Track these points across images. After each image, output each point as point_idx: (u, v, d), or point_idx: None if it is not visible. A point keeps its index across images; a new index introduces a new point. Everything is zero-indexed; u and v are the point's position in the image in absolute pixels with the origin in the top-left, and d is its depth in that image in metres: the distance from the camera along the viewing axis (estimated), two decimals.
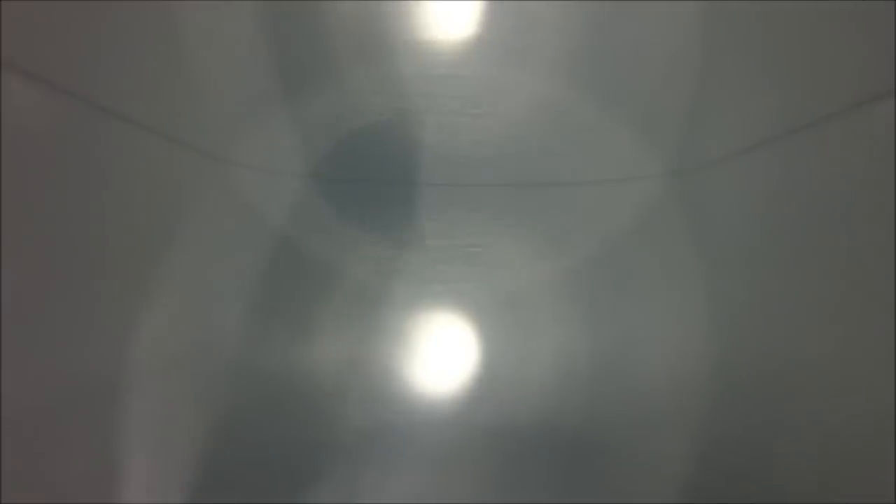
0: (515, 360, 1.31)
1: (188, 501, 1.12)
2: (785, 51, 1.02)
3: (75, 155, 0.98)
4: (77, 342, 1.01)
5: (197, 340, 1.23)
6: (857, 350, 0.93)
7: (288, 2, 1.10)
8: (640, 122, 1.27)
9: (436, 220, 1.36)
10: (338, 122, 1.28)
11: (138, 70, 1.06)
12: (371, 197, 1.36)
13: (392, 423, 1.21)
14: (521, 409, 1.27)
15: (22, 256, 0.90)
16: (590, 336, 1.31)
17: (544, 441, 1.24)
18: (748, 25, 1.05)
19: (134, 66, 1.05)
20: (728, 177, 1.19)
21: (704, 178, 1.25)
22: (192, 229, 1.21)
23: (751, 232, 1.16)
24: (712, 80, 1.16)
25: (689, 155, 1.28)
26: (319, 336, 1.31)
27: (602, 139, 1.29)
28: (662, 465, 1.19)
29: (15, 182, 0.87)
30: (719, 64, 1.13)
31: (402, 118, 1.27)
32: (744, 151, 1.15)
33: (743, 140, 1.15)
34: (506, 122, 1.28)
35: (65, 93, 0.95)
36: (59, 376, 0.97)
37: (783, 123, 1.05)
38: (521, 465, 1.23)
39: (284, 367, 1.28)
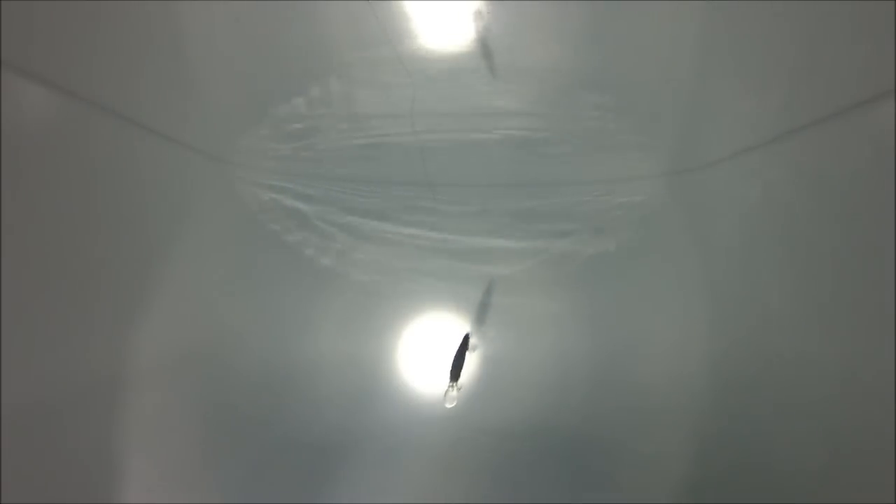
0: (515, 360, 1.31)
1: (188, 501, 1.12)
2: (785, 51, 1.02)
3: (75, 155, 0.98)
4: (77, 342, 1.01)
5: (197, 340, 1.23)
6: (857, 350, 0.93)
7: (288, 3, 1.10)
8: (640, 122, 1.27)
9: (436, 220, 1.36)
10: (337, 122, 1.28)
11: (139, 70, 1.06)
12: (370, 197, 1.36)
13: (392, 423, 1.21)
14: (520, 409, 1.27)
15: (22, 256, 0.90)
16: (589, 335, 1.31)
17: (544, 440, 1.24)
18: (748, 25, 1.05)
19: (135, 66, 1.04)
20: (728, 177, 1.19)
21: (704, 178, 1.25)
22: (192, 229, 1.21)
23: (750, 231, 1.16)
24: (712, 80, 1.16)
25: (689, 155, 1.28)
26: (319, 336, 1.31)
27: (602, 139, 1.29)
28: (662, 464, 1.19)
29: (15, 181, 0.87)
30: (719, 64, 1.13)
31: (402, 118, 1.27)
32: (744, 151, 1.15)
33: (743, 140, 1.15)
34: (505, 122, 1.28)
35: (65, 93, 0.95)
36: (59, 376, 0.97)
37: (783, 123, 1.05)
38: (521, 464, 1.23)
39: (284, 367, 1.27)
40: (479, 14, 1.16)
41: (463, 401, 1.28)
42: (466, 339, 1.16)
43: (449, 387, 1.13)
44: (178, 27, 1.08)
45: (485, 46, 1.19)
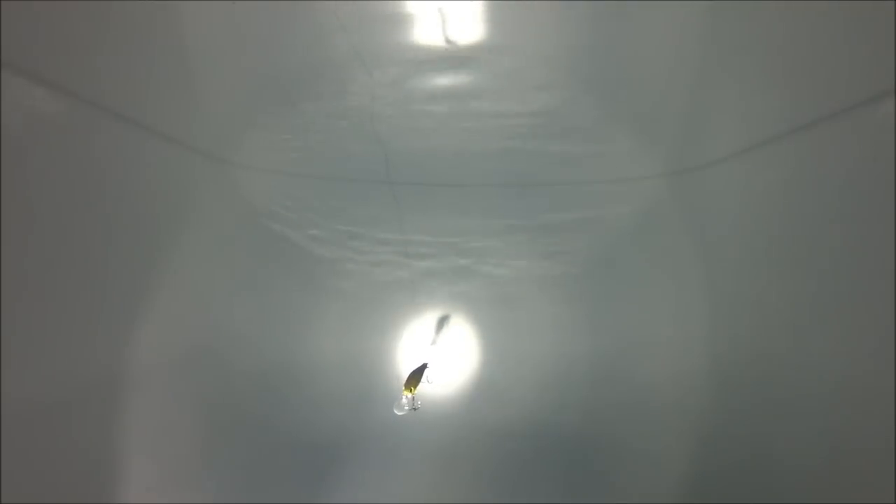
0: (515, 360, 1.31)
1: (188, 501, 1.12)
2: (785, 51, 1.02)
3: (75, 155, 0.98)
4: (77, 342, 1.01)
5: (197, 340, 1.23)
6: (857, 350, 0.93)
7: (288, 3, 1.10)
8: (640, 122, 1.27)
9: (435, 221, 1.36)
10: (337, 122, 1.28)
11: (139, 71, 1.06)
12: (370, 197, 1.36)
13: (392, 423, 1.21)
14: (521, 409, 1.27)
15: (23, 256, 0.90)
16: (589, 335, 1.31)
17: (544, 440, 1.24)
18: (748, 25, 1.05)
19: (135, 66, 1.05)
20: (728, 177, 1.19)
21: (704, 178, 1.25)
22: (192, 229, 1.21)
23: (750, 232, 1.16)
24: (712, 80, 1.16)
25: (689, 155, 1.28)
26: (319, 336, 1.31)
27: (602, 139, 1.29)
28: (662, 463, 1.19)
29: (15, 182, 0.87)
30: (719, 64, 1.13)
31: (402, 118, 1.27)
32: (744, 151, 1.15)
33: (743, 140, 1.15)
34: (506, 122, 1.28)
35: (65, 93, 0.95)
36: (59, 376, 0.97)
37: (783, 123, 1.05)
38: (520, 464, 1.23)
39: (284, 367, 1.28)
40: (479, 15, 1.16)
41: (463, 400, 1.28)
42: (423, 367, 1.20)
43: (402, 395, 1.15)
44: (180, 28, 1.08)
45: (485, 46, 1.19)
